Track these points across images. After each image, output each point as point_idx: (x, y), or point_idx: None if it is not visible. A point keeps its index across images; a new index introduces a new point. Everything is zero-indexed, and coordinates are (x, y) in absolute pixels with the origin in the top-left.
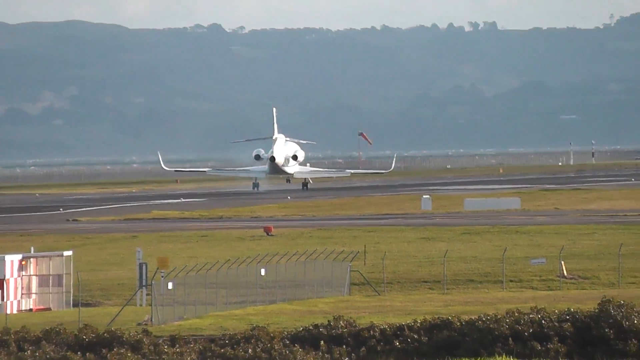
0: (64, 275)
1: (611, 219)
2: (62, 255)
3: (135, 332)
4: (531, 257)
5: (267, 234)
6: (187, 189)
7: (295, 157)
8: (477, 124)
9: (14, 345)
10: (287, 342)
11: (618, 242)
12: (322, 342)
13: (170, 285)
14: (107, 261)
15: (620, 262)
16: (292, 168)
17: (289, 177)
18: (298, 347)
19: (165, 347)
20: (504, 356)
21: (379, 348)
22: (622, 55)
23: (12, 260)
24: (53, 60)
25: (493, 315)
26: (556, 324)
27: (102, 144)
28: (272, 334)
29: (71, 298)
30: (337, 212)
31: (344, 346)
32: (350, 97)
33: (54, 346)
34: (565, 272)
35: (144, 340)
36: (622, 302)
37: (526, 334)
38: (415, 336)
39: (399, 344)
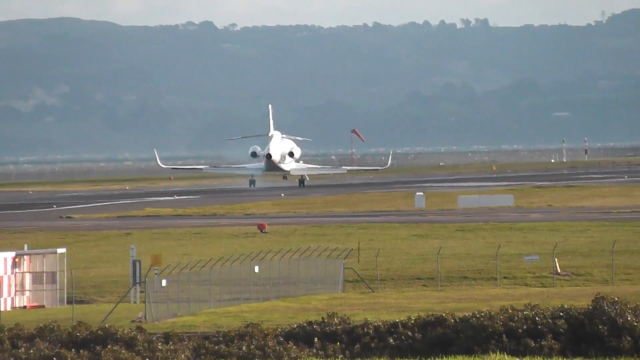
0: (58, 272)
1: (604, 216)
2: (55, 253)
3: (129, 329)
4: (524, 254)
5: (261, 231)
6: (180, 186)
7: (291, 154)
8: (468, 121)
9: (7, 342)
10: (281, 339)
11: (611, 239)
12: (316, 339)
13: (164, 283)
14: (100, 258)
15: (613, 259)
16: (289, 165)
17: (285, 174)
18: (292, 344)
19: (159, 344)
20: (498, 353)
21: (373, 345)
22: (614, 52)
23: (6, 257)
24: (44, 57)
25: (487, 312)
26: (550, 320)
27: (93, 141)
28: (265, 331)
29: (65, 295)
30: (331, 209)
31: (338, 343)
32: (342, 95)
33: (47, 343)
34: (558, 269)
35: (138, 337)
36: (616, 299)
37: (520, 330)
38: (409, 333)
39: (393, 341)
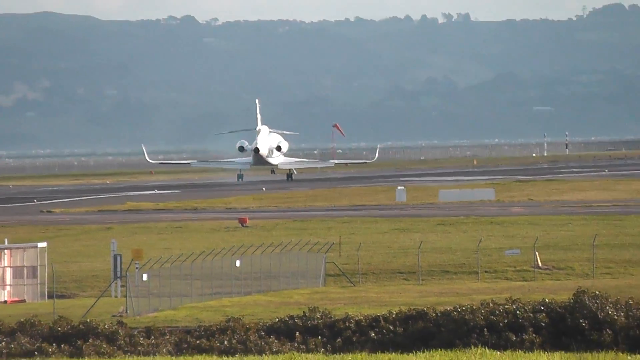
0: (39, 267)
1: (585, 210)
2: (36, 247)
3: (111, 323)
4: (506, 248)
5: (242, 226)
6: (161, 181)
7: (279, 148)
8: (450, 115)
9: None
10: (263, 333)
11: (592, 233)
12: (297, 334)
13: (145, 277)
14: (81, 253)
15: (594, 253)
16: (276, 159)
17: (273, 168)
18: (273, 338)
19: (141, 338)
20: (479, 347)
21: (354, 339)
22: (595, 46)
23: None
24: (25, 52)
25: (468, 306)
26: (531, 314)
27: (75, 136)
28: (247, 326)
29: (46, 290)
30: (312, 203)
31: (320, 337)
32: (324, 89)
33: (28, 338)
34: (539, 263)
35: (120, 331)
36: (596, 292)
37: (501, 324)
38: (391, 327)
39: (375, 335)
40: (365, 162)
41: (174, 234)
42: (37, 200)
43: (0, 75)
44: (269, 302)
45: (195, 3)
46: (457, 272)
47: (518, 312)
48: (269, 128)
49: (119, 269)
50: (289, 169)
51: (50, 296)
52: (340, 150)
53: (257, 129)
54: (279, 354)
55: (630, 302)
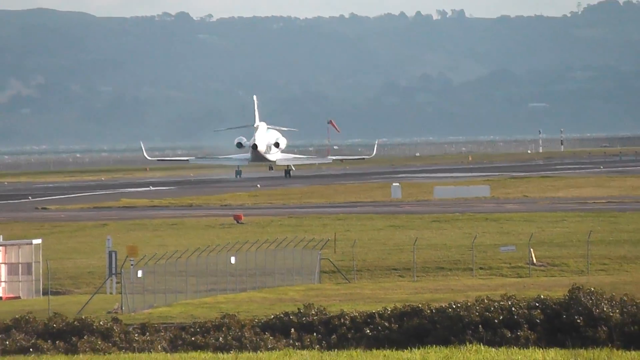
0: (33, 263)
1: (580, 207)
2: (31, 244)
3: (106, 320)
4: (501, 244)
5: (237, 222)
6: (156, 177)
7: (277, 145)
8: (445, 112)
9: None
10: (258, 330)
11: (587, 230)
12: (292, 330)
13: (140, 274)
14: (76, 249)
15: (589, 250)
16: (274, 155)
17: (271, 165)
18: (268, 334)
19: (136, 335)
20: (474, 343)
21: (349, 336)
22: (589, 43)
23: None
24: (20, 48)
25: (463, 302)
26: (526, 311)
27: (69, 133)
28: (242, 322)
29: (41, 286)
30: (307, 200)
31: (315, 334)
32: (319, 86)
33: (23, 334)
34: (534, 260)
35: (115, 328)
36: (591, 289)
37: (496, 321)
38: (386, 324)
39: (370, 331)
40: (364, 158)
41: (169, 230)
42: (32, 197)
43: None
44: (264, 298)
45: (189, 0)
46: (452, 269)
47: (513, 308)
48: (267, 124)
49: (114, 266)
50: (287, 165)
51: (45, 293)
52: (337, 147)
53: (255, 125)
54: (274, 351)
55: (625, 298)
